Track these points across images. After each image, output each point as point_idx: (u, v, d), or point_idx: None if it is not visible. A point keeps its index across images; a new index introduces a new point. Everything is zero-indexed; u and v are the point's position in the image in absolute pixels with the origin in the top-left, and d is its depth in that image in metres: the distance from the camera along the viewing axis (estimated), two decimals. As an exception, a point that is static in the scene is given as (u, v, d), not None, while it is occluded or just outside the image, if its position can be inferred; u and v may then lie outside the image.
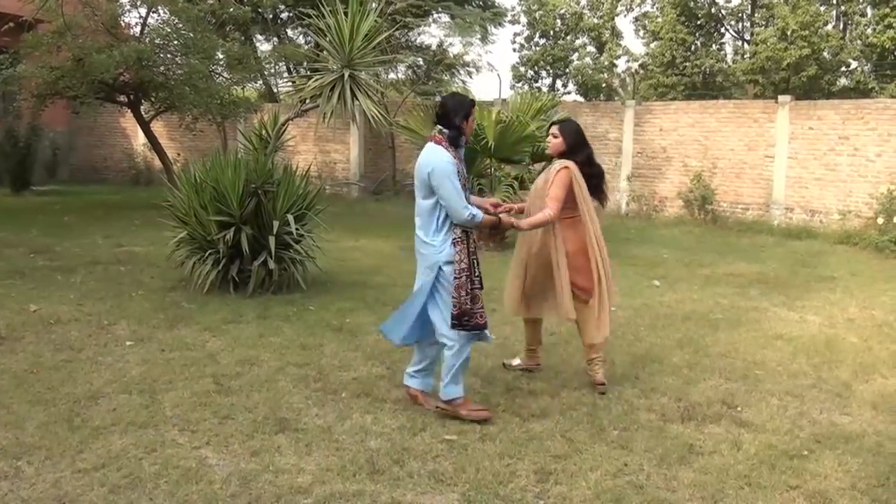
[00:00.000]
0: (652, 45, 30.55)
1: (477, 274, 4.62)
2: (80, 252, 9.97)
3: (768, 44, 25.01)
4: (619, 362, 5.93)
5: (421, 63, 21.40)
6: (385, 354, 5.84)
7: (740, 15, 29.98)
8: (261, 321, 6.82)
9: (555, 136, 5.36)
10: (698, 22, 29.18)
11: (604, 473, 3.99)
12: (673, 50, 28.56)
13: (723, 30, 30.51)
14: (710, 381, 5.54)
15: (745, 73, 26.57)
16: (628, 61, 34.35)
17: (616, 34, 34.00)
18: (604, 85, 34.55)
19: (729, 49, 30.83)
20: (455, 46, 23.38)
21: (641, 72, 32.16)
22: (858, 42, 26.03)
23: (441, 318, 4.63)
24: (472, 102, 4.77)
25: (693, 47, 29.06)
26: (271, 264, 7.75)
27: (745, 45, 29.21)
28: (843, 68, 26.79)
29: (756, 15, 28.89)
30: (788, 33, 24.55)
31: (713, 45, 29.90)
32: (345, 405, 4.84)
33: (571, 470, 4.02)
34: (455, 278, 4.53)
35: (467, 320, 4.54)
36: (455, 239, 4.56)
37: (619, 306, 7.83)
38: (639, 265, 10.36)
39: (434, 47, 21.89)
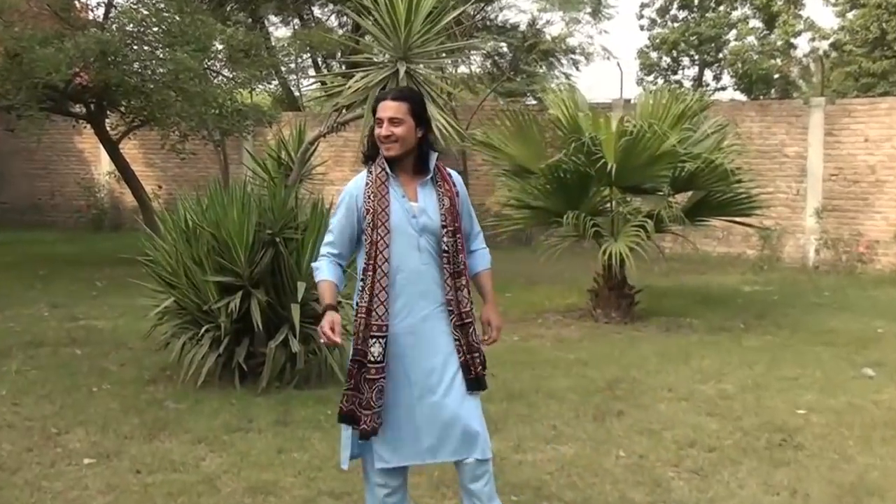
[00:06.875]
0: (849, 16, 30.32)
1: None
2: (16, 328, 10.23)
3: None
4: (816, 494, 5.78)
5: (505, 50, 21.65)
6: (454, 480, 5.76)
7: None
8: (280, 429, 6.86)
9: None
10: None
11: None
12: (882, 21, 28.24)
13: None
14: (959, 523, 5.37)
15: None
16: (813, 40, 34.20)
17: (794, 1, 33.88)
18: (776, 76, 34.37)
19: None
20: (554, 25, 23.48)
21: (833, 55, 31.92)
22: None
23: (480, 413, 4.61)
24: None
25: (913, 17, 28.78)
26: (294, 345, 7.81)
27: None
28: None
29: None
30: None
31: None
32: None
33: None
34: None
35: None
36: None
37: (815, 409, 7.67)
38: (839, 345, 10.17)
39: (524, 27, 22.14)
